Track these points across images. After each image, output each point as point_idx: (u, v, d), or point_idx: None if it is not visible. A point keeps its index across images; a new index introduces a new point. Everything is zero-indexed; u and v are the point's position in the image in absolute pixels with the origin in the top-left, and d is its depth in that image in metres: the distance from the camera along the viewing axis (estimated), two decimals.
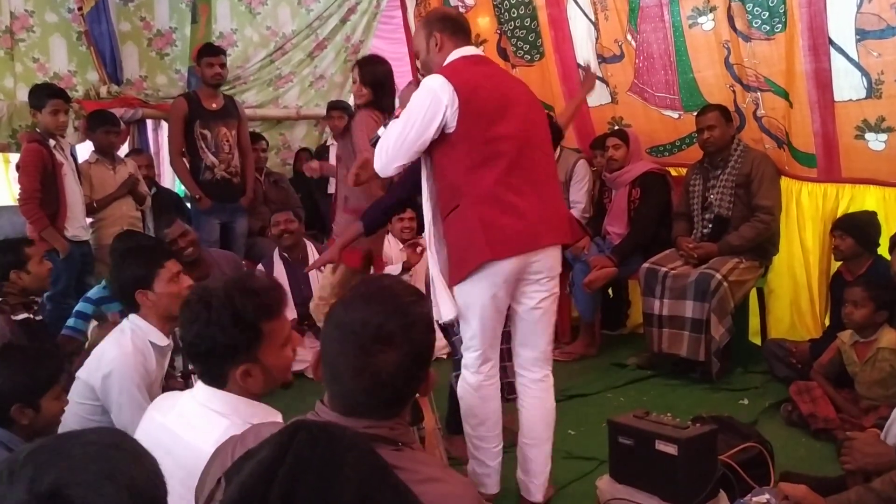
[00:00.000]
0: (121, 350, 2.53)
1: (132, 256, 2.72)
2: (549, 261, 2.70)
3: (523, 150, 2.63)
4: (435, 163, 2.69)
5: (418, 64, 3.03)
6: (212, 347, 1.66)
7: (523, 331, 2.77)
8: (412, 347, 1.26)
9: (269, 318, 1.70)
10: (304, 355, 4.09)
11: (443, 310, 2.69)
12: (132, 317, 2.65)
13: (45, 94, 4.30)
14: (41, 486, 0.89)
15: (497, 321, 2.72)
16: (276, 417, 1.71)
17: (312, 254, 4.81)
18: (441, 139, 2.61)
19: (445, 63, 2.71)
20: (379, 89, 3.69)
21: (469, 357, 2.76)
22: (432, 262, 2.75)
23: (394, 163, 2.65)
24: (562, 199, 2.87)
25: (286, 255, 4.79)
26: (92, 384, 2.50)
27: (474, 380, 2.76)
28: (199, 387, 1.74)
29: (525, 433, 2.80)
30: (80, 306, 3.58)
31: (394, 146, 2.60)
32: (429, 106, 2.55)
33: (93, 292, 3.61)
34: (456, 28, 2.79)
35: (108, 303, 3.50)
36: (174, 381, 3.36)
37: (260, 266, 4.69)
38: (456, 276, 2.66)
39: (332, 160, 5.78)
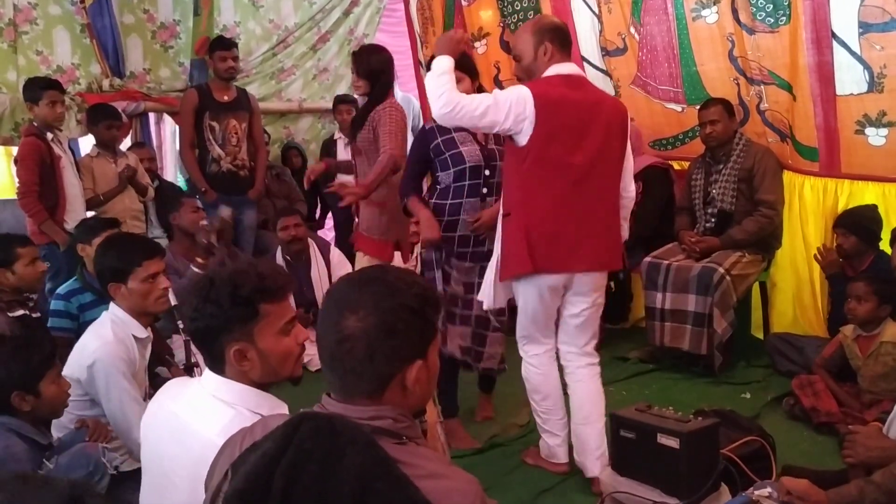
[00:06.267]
0: (102, 340, 2.55)
1: (114, 248, 2.71)
2: (593, 278, 2.94)
3: (585, 180, 2.81)
4: (504, 168, 2.97)
5: (516, 68, 3.06)
6: (208, 324, 1.68)
7: (565, 330, 3.05)
8: (378, 315, 1.25)
9: (269, 301, 1.71)
10: (310, 349, 4.10)
11: (489, 297, 3.02)
12: (112, 308, 2.66)
13: (40, 87, 4.30)
14: None
15: (546, 316, 2.99)
16: (283, 409, 1.71)
17: (315, 252, 4.80)
18: (512, 151, 2.84)
19: (542, 77, 2.85)
20: (375, 79, 3.68)
21: (523, 342, 3.09)
22: (495, 251, 2.99)
23: (458, 121, 2.78)
24: (617, 227, 2.99)
25: (288, 257, 4.77)
26: (77, 377, 2.51)
27: (534, 361, 3.05)
28: (207, 375, 1.75)
29: (575, 414, 3.01)
30: (53, 305, 3.49)
31: (469, 109, 2.70)
32: (516, 101, 2.71)
33: (62, 288, 3.52)
34: (564, 41, 2.91)
35: (78, 294, 3.44)
36: (176, 369, 3.37)
37: None
38: (502, 274, 2.93)
39: (340, 154, 5.79)
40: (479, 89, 3.33)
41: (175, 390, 1.82)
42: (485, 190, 3.36)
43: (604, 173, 2.86)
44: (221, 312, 1.67)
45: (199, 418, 1.65)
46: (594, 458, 2.91)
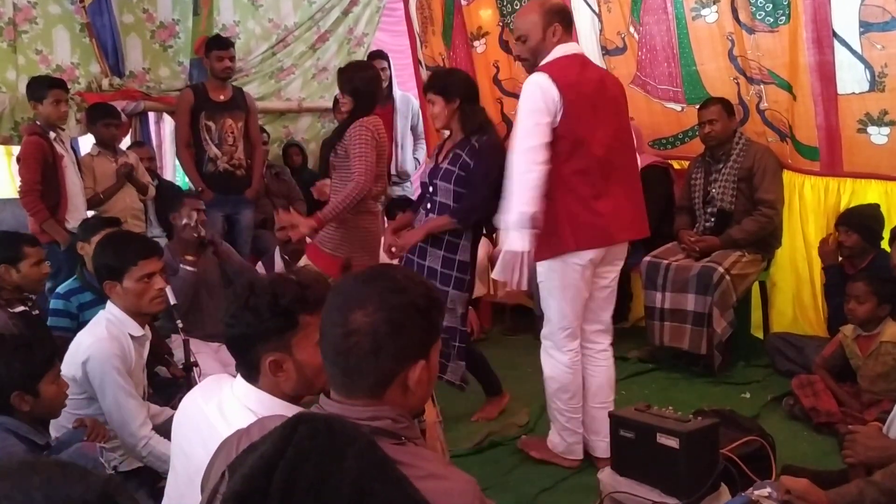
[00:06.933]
0: (96, 337, 2.55)
1: (111, 246, 2.71)
2: (622, 248, 3.06)
3: (611, 152, 2.89)
4: None
5: (520, 48, 3.04)
6: (245, 332, 1.65)
7: (592, 308, 3.04)
8: (386, 311, 1.25)
9: (310, 312, 1.66)
10: None
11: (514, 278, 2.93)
12: (109, 306, 2.66)
13: (45, 86, 4.31)
14: None
15: (584, 295, 2.98)
16: None
17: None
18: None
19: (550, 59, 2.89)
20: (359, 97, 3.66)
21: (559, 336, 2.99)
22: None
23: (534, 157, 2.79)
24: (641, 196, 3.10)
25: (286, 256, 4.76)
26: (72, 375, 2.50)
27: (566, 358, 3.00)
28: (239, 381, 1.72)
29: (592, 398, 3.05)
30: (52, 304, 3.48)
31: (529, 144, 2.76)
32: (543, 96, 2.76)
33: (61, 287, 3.52)
34: (569, 23, 3.00)
35: (78, 293, 3.44)
36: (175, 369, 3.37)
37: (260, 263, 4.67)
38: (539, 255, 2.91)
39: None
40: (461, 107, 3.32)
41: (210, 389, 1.79)
42: (428, 205, 3.40)
43: (623, 145, 2.99)
44: (259, 321, 1.64)
45: (226, 425, 1.62)
46: (608, 441, 2.92)
